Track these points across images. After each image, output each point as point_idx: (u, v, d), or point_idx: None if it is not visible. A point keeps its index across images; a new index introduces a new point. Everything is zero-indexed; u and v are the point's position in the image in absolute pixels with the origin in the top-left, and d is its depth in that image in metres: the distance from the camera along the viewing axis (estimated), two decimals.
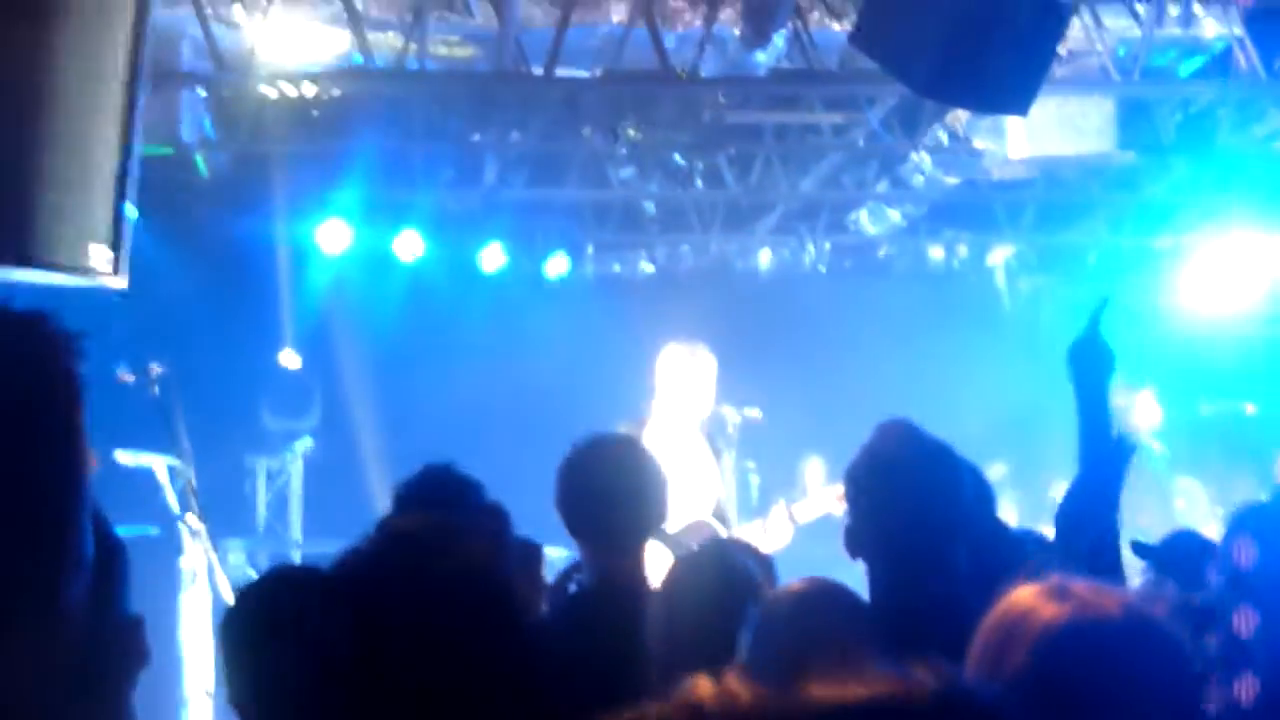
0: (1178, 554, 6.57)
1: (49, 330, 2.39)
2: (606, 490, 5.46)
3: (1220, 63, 11.37)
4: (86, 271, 5.71)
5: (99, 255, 5.74)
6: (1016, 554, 5.42)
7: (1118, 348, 4.64)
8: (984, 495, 5.82)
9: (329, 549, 2.81)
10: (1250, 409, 15.24)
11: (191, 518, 10.19)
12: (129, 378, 9.77)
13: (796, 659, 3.85)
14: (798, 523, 10.39)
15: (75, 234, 5.65)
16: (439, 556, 2.70)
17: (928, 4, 8.20)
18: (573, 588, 5.67)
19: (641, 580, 5.52)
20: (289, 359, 14.95)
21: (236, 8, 10.63)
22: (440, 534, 2.76)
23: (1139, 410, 12.66)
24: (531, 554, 5.24)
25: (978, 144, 12.80)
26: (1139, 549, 6.42)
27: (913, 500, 4.52)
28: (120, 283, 5.92)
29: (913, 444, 4.65)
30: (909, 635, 2.75)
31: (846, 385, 14.74)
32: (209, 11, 10.47)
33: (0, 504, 2.48)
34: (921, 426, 4.72)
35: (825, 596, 4.01)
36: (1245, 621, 4.13)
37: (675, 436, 10.16)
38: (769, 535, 10.32)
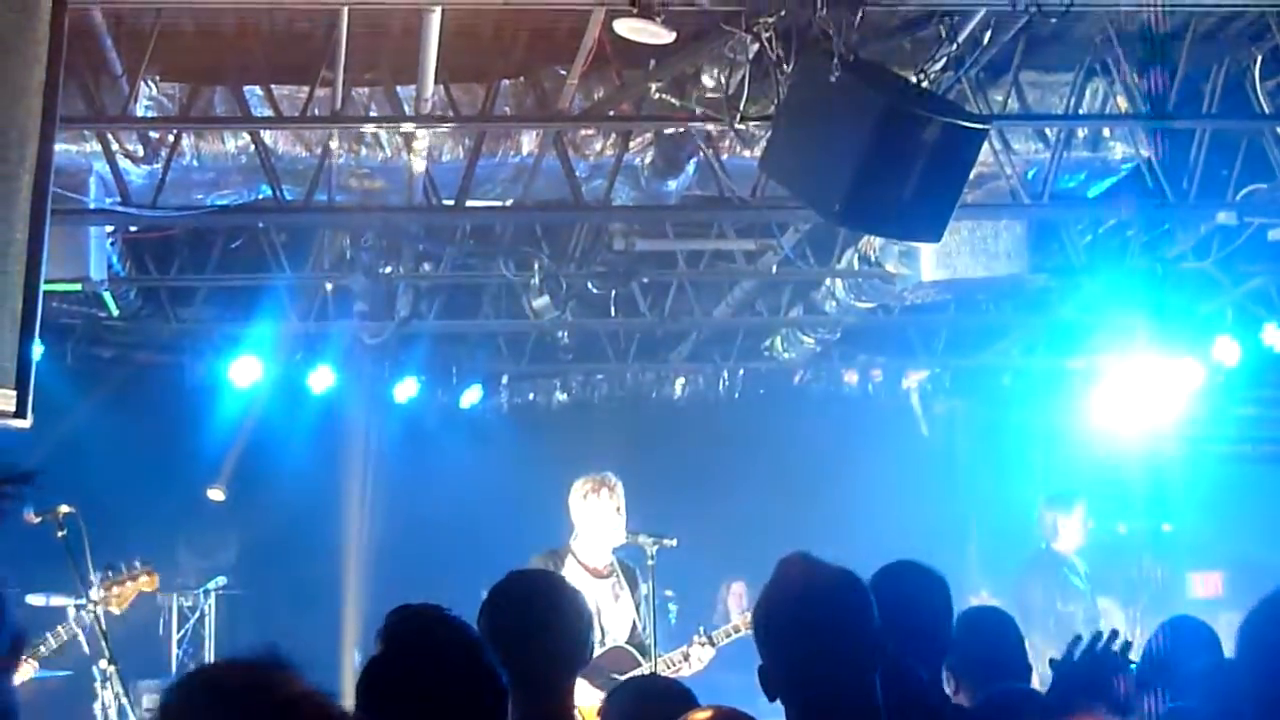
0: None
1: None
2: (531, 629, 5.35)
3: (1129, 184, 11.47)
4: None
5: (4, 398, 5.64)
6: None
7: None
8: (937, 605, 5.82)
9: None
10: (1166, 528, 15.28)
11: (103, 661, 10.05)
12: (34, 519, 9.64)
13: None
14: (716, 645, 10.35)
15: None
16: None
17: (837, 132, 8.21)
18: None
19: (570, 717, 5.43)
20: (215, 494, 14.81)
21: (141, 145, 10.55)
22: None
23: (1074, 527, 12.66)
24: None
25: (890, 268, 12.83)
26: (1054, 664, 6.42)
27: (819, 636, 4.45)
28: (25, 423, 5.81)
29: (813, 578, 4.58)
30: None
31: (765, 509, 14.73)
32: (115, 147, 10.40)
33: None
34: (819, 559, 4.64)
35: None
36: None
37: (591, 567, 10.12)
38: (688, 662, 10.26)
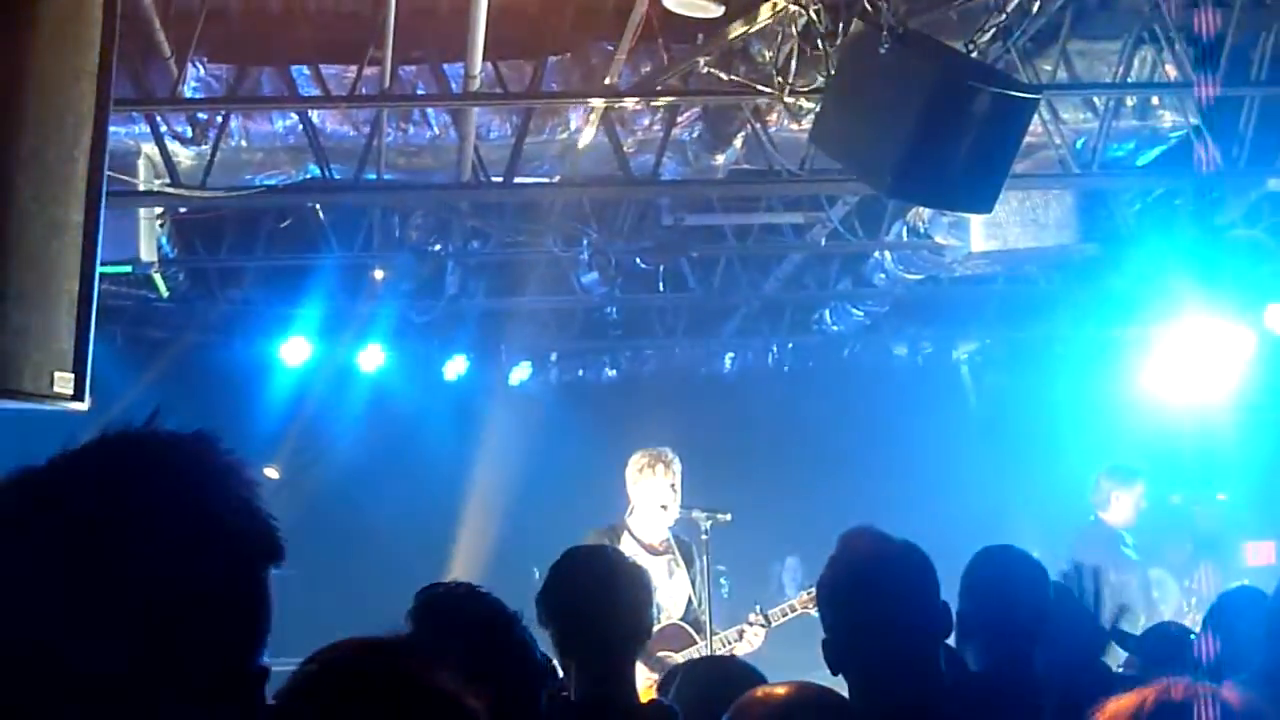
0: (1159, 645, 6.59)
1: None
2: (591, 607, 5.32)
3: (1178, 152, 11.40)
4: (51, 398, 5.61)
5: (63, 381, 5.65)
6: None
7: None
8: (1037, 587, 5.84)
9: (290, 667, 2.69)
10: (1221, 497, 15.24)
11: None
12: None
13: None
14: (771, 625, 10.32)
15: (41, 359, 5.56)
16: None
17: (887, 104, 8.18)
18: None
19: (633, 695, 5.41)
20: (269, 474, 14.84)
21: (190, 126, 10.58)
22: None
23: (1128, 503, 12.58)
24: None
25: (939, 240, 12.78)
26: (1122, 640, 6.41)
27: (884, 607, 4.43)
28: (83, 406, 5.82)
29: (879, 550, 4.57)
30: None
31: (816, 484, 14.72)
32: (164, 129, 10.43)
33: None
34: (886, 531, 4.64)
35: (809, 703, 3.93)
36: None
37: (647, 543, 10.12)
38: (743, 640, 10.24)
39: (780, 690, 3.92)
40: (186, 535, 1.96)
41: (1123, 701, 2.94)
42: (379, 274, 13.60)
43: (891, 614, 4.41)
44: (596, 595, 5.31)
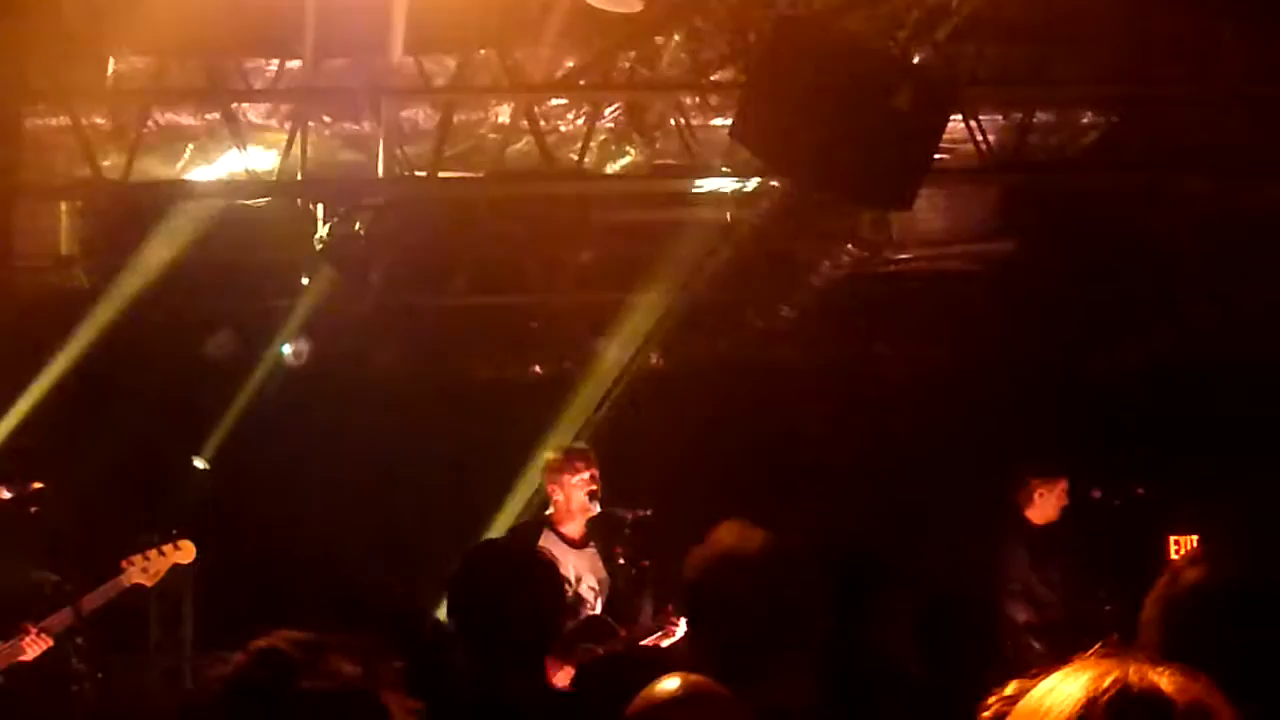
0: None
1: None
2: (503, 603, 5.30)
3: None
4: None
5: None
6: None
7: None
8: None
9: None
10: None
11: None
12: (6, 495, 9.61)
13: None
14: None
15: None
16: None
17: (806, 99, 8.22)
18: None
19: (543, 689, 5.42)
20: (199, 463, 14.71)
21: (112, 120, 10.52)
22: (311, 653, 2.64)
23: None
24: None
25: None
26: None
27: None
28: None
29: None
30: None
31: (737, 476, 14.70)
32: (85, 122, 10.37)
33: None
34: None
35: (698, 695, 4.01)
36: None
37: (569, 536, 10.13)
38: (664, 633, 10.28)
39: (671, 684, 3.99)
40: None
41: (1058, 692, 2.57)
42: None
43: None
44: (505, 589, 5.29)
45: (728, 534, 4.63)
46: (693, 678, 4.05)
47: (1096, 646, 2.65)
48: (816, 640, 4.49)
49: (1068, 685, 2.54)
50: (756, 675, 4.34)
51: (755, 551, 4.55)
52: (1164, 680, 2.52)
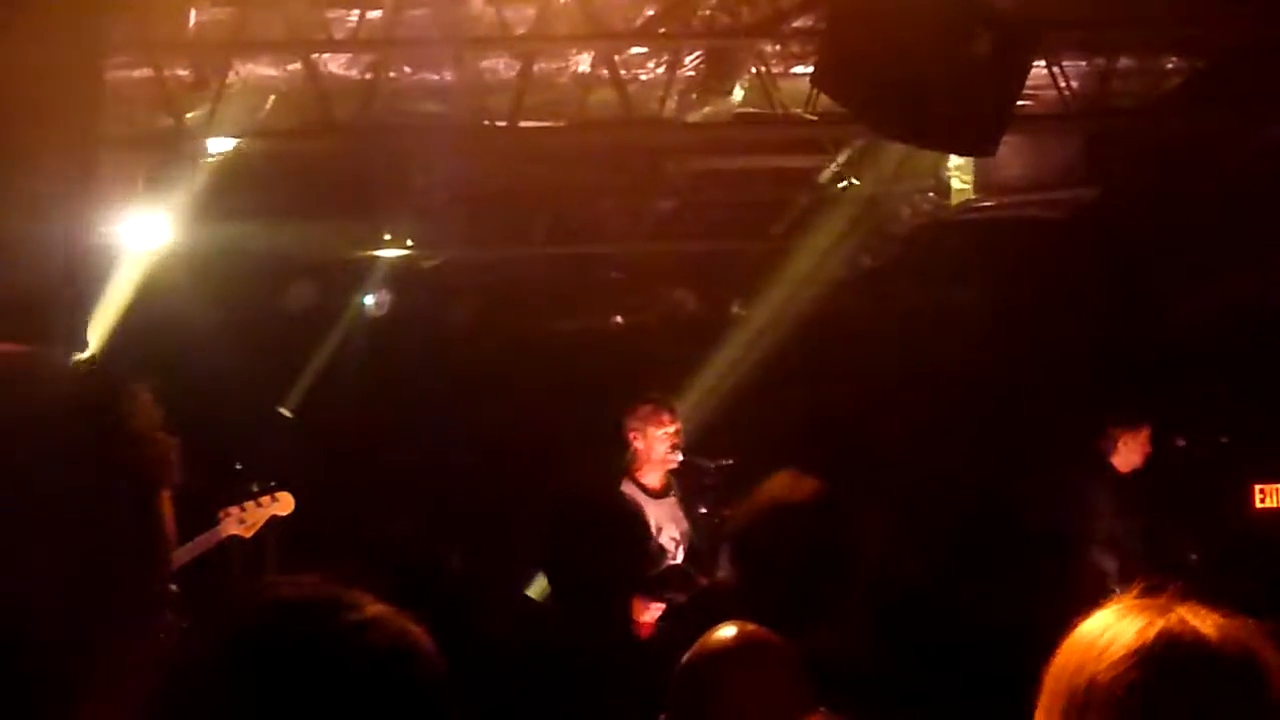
0: None
1: None
2: (593, 546, 5.35)
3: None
4: None
5: None
6: None
7: None
8: None
9: None
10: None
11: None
12: None
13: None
14: None
15: None
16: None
17: (889, 46, 8.18)
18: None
19: (622, 636, 5.46)
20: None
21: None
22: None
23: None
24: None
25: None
26: None
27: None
28: None
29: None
30: None
31: (817, 425, 14.65)
32: (166, 73, 10.41)
33: None
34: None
35: (755, 644, 4.07)
36: None
37: (649, 486, 10.16)
38: None
39: (728, 632, 4.05)
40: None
41: (1106, 637, 2.63)
42: None
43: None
44: (592, 534, 5.34)
45: (778, 484, 4.65)
46: (749, 627, 4.10)
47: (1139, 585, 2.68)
48: (864, 588, 4.51)
49: (1116, 630, 2.62)
50: (805, 621, 4.37)
51: (803, 500, 4.57)
52: (1208, 625, 2.55)
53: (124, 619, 1.92)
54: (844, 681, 2.66)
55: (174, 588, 2.08)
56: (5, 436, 1.90)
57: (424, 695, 2.26)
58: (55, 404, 1.95)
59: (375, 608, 2.33)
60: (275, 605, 2.42)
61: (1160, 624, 2.59)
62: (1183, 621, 2.60)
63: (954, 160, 12.19)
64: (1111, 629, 2.62)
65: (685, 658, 4.08)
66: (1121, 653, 2.57)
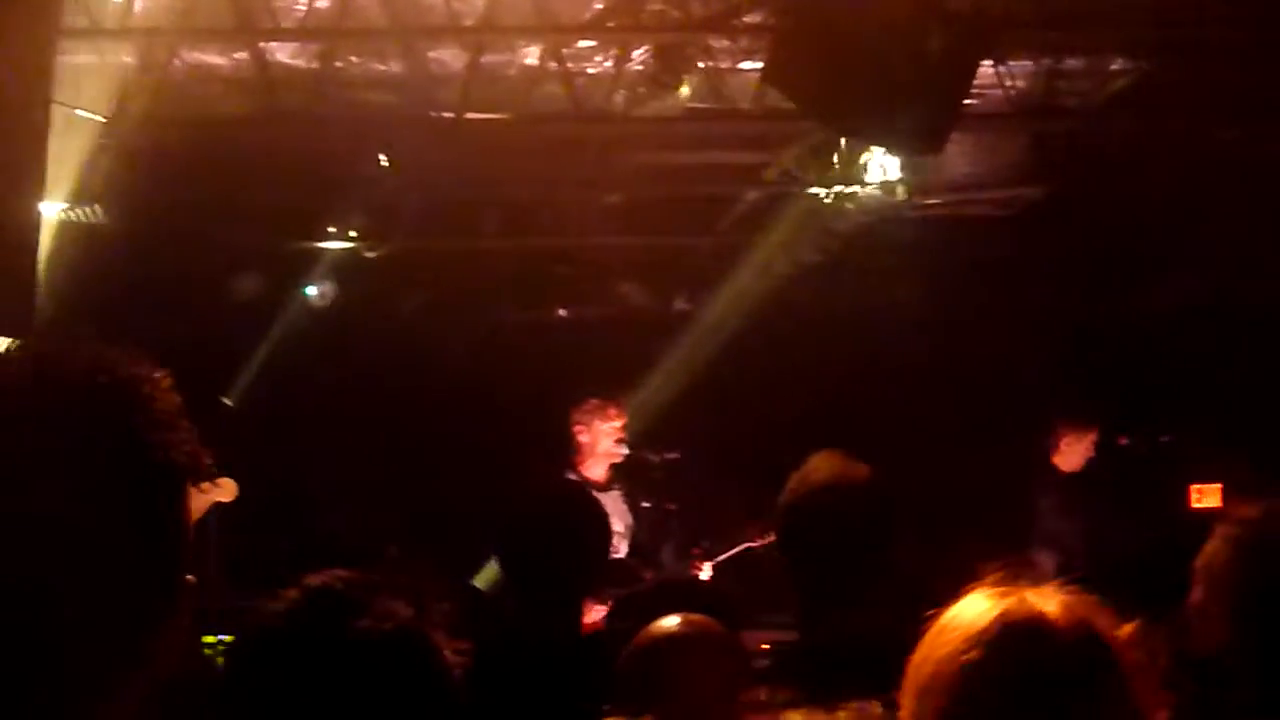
0: None
1: None
2: (555, 542, 5.25)
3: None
4: None
5: None
6: None
7: None
8: None
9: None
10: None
11: None
12: None
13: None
14: (714, 560, 10.43)
15: None
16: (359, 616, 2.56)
17: (840, 42, 8.19)
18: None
19: (578, 631, 5.42)
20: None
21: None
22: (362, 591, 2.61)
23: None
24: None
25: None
26: None
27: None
28: None
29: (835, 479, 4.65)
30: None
31: (762, 420, 14.69)
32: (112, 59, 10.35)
33: None
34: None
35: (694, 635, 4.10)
36: None
37: (594, 480, 10.16)
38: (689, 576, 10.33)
39: (672, 623, 4.08)
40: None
41: (958, 617, 2.67)
42: None
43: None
44: (556, 532, 5.25)
45: (830, 465, 4.67)
46: (694, 617, 4.13)
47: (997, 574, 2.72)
48: (896, 572, 4.52)
49: (960, 614, 2.65)
50: (856, 602, 4.39)
51: (861, 481, 4.59)
52: (1050, 605, 2.60)
53: (151, 612, 1.91)
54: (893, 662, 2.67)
55: (191, 578, 2.07)
56: (32, 425, 1.87)
57: (435, 695, 2.30)
58: (81, 388, 1.92)
59: (393, 605, 2.38)
60: (295, 603, 2.47)
61: (1001, 606, 2.64)
62: (1023, 602, 2.64)
63: (901, 157, 12.22)
64: (958, 615, 2.66)
65: (630, 649, 4.09)
66: (961, 635, 2.60)
